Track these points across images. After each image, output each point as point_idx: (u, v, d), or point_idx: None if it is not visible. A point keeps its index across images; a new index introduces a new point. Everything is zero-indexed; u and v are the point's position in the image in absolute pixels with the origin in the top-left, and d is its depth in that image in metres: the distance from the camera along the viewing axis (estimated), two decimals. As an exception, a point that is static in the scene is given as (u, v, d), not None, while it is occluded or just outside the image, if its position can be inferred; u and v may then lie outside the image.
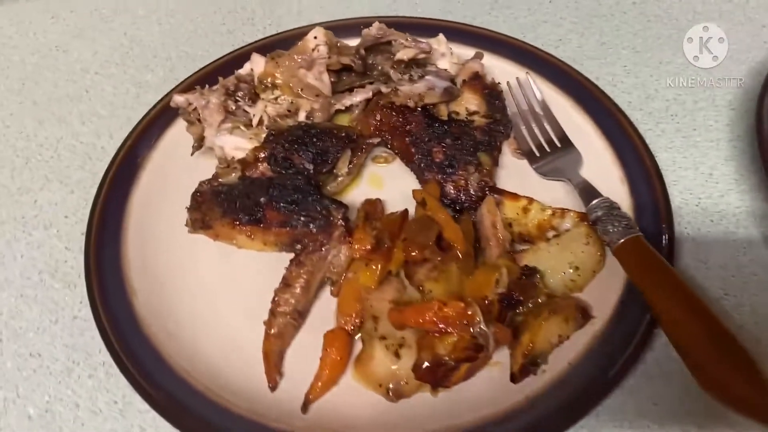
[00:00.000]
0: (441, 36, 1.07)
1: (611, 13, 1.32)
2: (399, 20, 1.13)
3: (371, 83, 1.07)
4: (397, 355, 0.78)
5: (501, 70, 1.11)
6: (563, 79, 1.08)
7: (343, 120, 1.09)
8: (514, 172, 1.03)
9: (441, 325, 0.76)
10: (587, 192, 0.93)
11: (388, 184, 1.03)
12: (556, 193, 0.98)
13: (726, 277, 0.93)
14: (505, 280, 0.81)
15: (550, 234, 0.92)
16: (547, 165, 1.01)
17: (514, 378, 0.79)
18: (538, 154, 1.02)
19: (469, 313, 0.76)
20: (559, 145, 1.02)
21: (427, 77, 1.01)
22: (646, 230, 0.87)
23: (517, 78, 1.09)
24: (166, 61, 1.31)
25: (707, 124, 1.12)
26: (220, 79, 1.06)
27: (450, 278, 0.81)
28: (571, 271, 0.87)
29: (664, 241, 0.89)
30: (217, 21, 1.38)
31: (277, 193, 0.91)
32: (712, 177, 1.04)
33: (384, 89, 1.03)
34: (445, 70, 1.05)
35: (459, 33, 1.13)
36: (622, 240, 0.84)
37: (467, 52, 1.12)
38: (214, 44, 1.32)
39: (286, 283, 0.87)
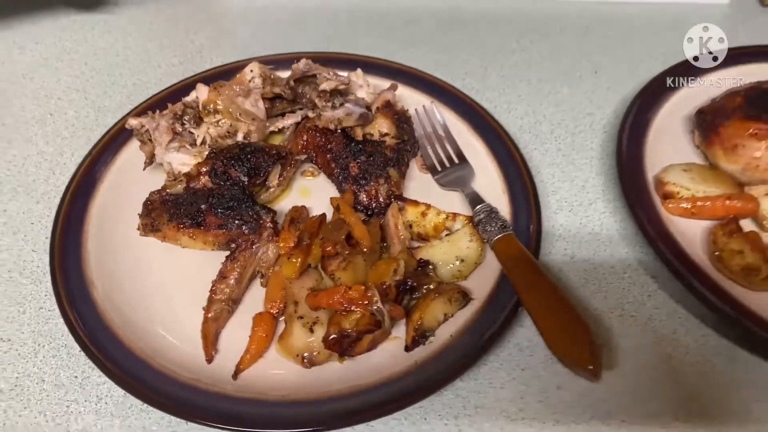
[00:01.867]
0: (359, 70, 1.26)
1: (512, 50, 1.54)
2: (323, 56, 1.32)
3: (300, 109, 1.26)
4: (311, 330, 0.96)
5: (411, 98, 1.31)
6: (462, 106, 1.29)
7: (277, 140, 1.27)
8: (419, 184, 1.22)
9: (346, 305, 0.94)
10: (474, 199, 1.13)
11: (314, 194, 1.21)
12: (452, 201, 1.17)
13: (588, 269, 1.13)
14: (402, 270, 1.00)
15: (444, 234, 1.11)
16: (445, 177, 1.21)
17: (407, 348, 0.98)
18: (439, 169, 1.22)
19: (369, 294, 0.94)
20: (456, 161, 1.22)
21: (346, 105, 1.20)
22: (520, 231, 1.08)
23: (423, 105, 1.29)
24: (122, 89, 1.47)
25: (584, 145, 1.34)
26: (169, 105, 1.23)
27: (356, 268, 0.99)
28: (458, 263, 1.06)
29: (532, 240, 1.09)
30: (170, 53, 1.55)
31: (216, 201, 1.09)
32: (584, 188, 1.26)
33: (311, 114, 1.22)
34: (363, 98, 1.24)
35: (376, 67, 1.33)
36: (497, 237, 1.04)
37: (384, 83, 1.32)
38: (166, 74, 1.50)
39: (222, 276, 1.04)
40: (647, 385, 0.98)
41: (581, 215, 1.21)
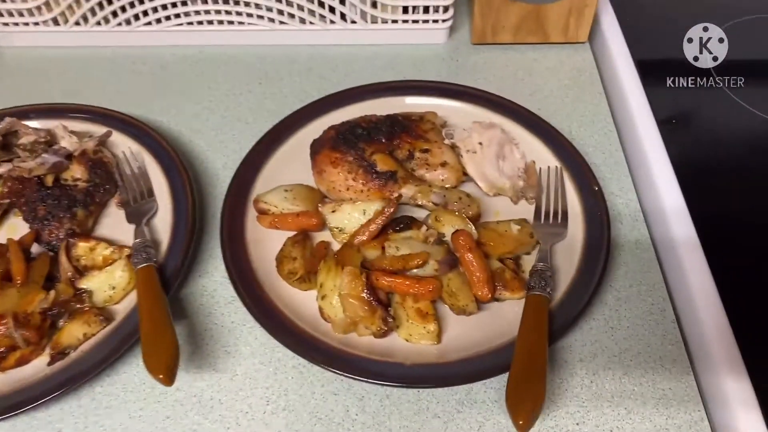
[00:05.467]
0: (59, 123, 1.49)
1: (240, 93, 1.76)
2: (26, 108, 1.55)
3: (12, 160, 1.47)
4: (-37, 351, 1.18)
5: (121, 143, 1.54)
6: (156, 148, 1.51)
7: (-1, 188, 1.48)
8: (116, 220, 1.44)
9: (-15, 330, 1.17)
10: (139, 232, 1.35)
11: (21, 233, 1.42)
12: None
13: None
14: (50, 299, 1.22)
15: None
16: (129, 212, 1.43)
17: (48, 363, 1.20)
18: (130, 204, 1.44)
19: (3, 321, 1.17)
20: (146, 197, 1.44)
21: (43, 155, 1.42)
22: (171, 260, 1.31)
23: (123, 150, 1.52)
24: None
25: (275, 178, 1.56)
26: None
27: (5, 299, 1.21)
28: (111, 290, 1.28)
29: (178, 268, 1.31)
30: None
31: None
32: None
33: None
34: (65, 148, 1.46)
35: (89, 113, 1.56)
36: (139, 267, 1.27)
37: (99, 129, 1.54)
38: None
39: None
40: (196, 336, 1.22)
41: (249, 241, 1.44)
